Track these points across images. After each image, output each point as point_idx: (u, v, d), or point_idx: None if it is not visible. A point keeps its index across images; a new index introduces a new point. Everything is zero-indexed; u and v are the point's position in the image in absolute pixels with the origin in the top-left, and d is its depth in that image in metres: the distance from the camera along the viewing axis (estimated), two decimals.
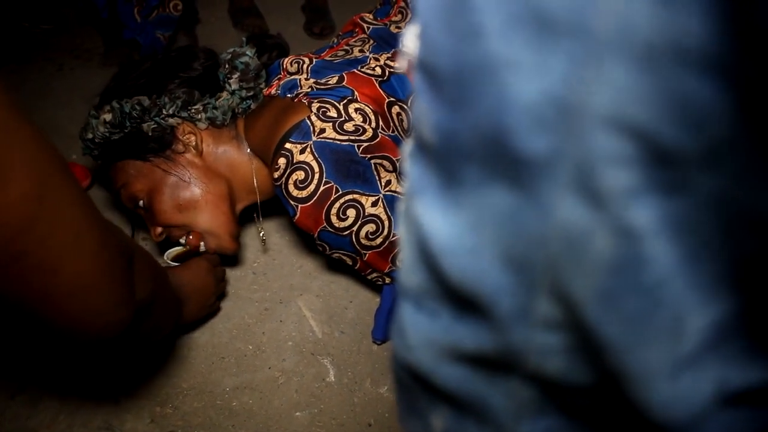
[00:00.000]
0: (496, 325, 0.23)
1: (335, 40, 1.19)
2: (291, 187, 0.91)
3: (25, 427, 0.89)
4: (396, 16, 1.16)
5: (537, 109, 0.18)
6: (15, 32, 1.75)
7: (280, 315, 1.08)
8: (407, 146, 0.27)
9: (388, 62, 1.04)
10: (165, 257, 1.07)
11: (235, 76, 1.05)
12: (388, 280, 1.00)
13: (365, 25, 1.15)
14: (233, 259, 1.15)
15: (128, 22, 1.58)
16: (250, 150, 1.05)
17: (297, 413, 0.94)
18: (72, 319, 0.54)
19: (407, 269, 0.27)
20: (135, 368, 0.97)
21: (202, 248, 1.04)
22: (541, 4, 0.17)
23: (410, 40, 0.25)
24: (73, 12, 1.85)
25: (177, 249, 1.07)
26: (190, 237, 1.03)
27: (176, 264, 1.02)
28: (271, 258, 1.18)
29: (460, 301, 0.24)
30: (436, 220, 0.23)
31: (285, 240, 1.21)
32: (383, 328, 1.01)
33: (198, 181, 1.02)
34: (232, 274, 1.14)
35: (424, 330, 0.27)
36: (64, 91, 1.55)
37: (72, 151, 1.36)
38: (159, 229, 1.04)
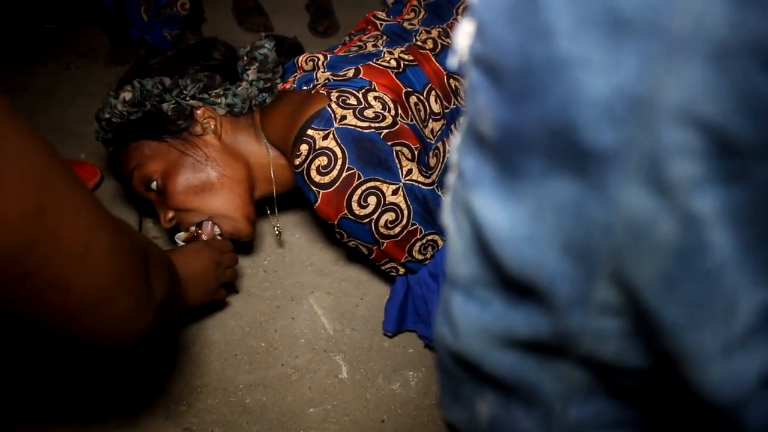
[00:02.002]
0: (553, 310, 0.24)
1: (347, 38, 1.20)
2: (313, 173, 0.92)
3: (40, 425, 0.89)
4: (409, 14, 1.17)
5: (607, 103, 0.19)
6: (20, 32, 1.75)
7: (292, 312, 1.09)
8: (456, 139, 0.28)
9: (402, 55, 1.05)
10: (176, 239, 1.06)
11: (254, 66, 1.07)
12: (402, 271, 1.01)
13: (378, 22, 1.16)
14: (247, 247, 1.16)
15: (135, 21, 1.59)
16: (267, 141, 1.06)
17: (310, 409, 0.95)
18: (91, 333, 0.51)
19: (458, 259, 0.28)
20: (149, 366, 0.97)
21: (218, 232, 1.04)
22: (615, 5, 0.18)
23: (463, 36, 0.26)
24: (77, 11, 1.85)
25: (187, 233, 1.05)
26: (203, 231, 1.03)
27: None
28: (281, 256, 1.18)
29: (515, 288, 0.25)
30: (493, 211, 0.24)
31: (295, 238, 1.22)
32: (395, 320, 1.02)
33: (215, 164, 1.01)
34: (243, 272, 1.14)
35: (474, 318, 0.28)
36: (71, 90, 1.56)
37: (80, 150, 1.36)
38: (170, 214, 1.02)
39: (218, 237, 1.04)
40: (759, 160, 0.19)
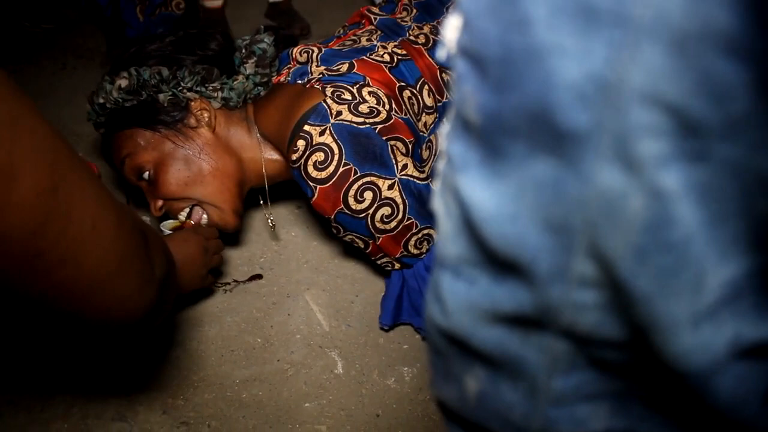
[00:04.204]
0: (535, 285, 0.26)
1: (342, 31, 1.22)
2: (310, 168, 0.93)
3: (38, 419, 0.90)
4: (401, 13, 1.19)
5: (580, 88, 0.21)
6: (16, 32, 1.76)
7: (288, 309, 1.10)
8: (445, 126, 0.30)
9: (395, 50, 1.06)
10: (162, 227, 1.07)
11: (252, 60, 1.08)
12: (397, 266, 1.02)
13: (372, 17, 1.18)
14: (242, 242, 1.17)
15: (131, 21, 1.60)
16: (260, 135, 1.08)
17: (306, 404, 0.96)
18: (100, 309, 0.53)
19: (446, 241, 0.29)
20: (146, 361, 0.99)
21: (204, 220, 1.05)
22: None
23: (451, 30, 0.28)
24: (74, 12, 1.86)
25: (174, 222, 1.06)
26: (191, 216, 1.04)
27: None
28: (277, 253, 1.20)
29: (500, 265, 0.27)
30: (479, 192, 0.26)
31: (291, 235, 1.23)
32: (391, 313, 1.03)
33: (207, 156, 1.03)
34: (239, 269, 1.16)
35: (462, 296, 0.29)
36: (67, 90, 1.57)
37: (77, 149, 1.37)
38: (160, 203, 1.04)
39: (203, 224, 1.06)
40: (719, 140, 0.21)
